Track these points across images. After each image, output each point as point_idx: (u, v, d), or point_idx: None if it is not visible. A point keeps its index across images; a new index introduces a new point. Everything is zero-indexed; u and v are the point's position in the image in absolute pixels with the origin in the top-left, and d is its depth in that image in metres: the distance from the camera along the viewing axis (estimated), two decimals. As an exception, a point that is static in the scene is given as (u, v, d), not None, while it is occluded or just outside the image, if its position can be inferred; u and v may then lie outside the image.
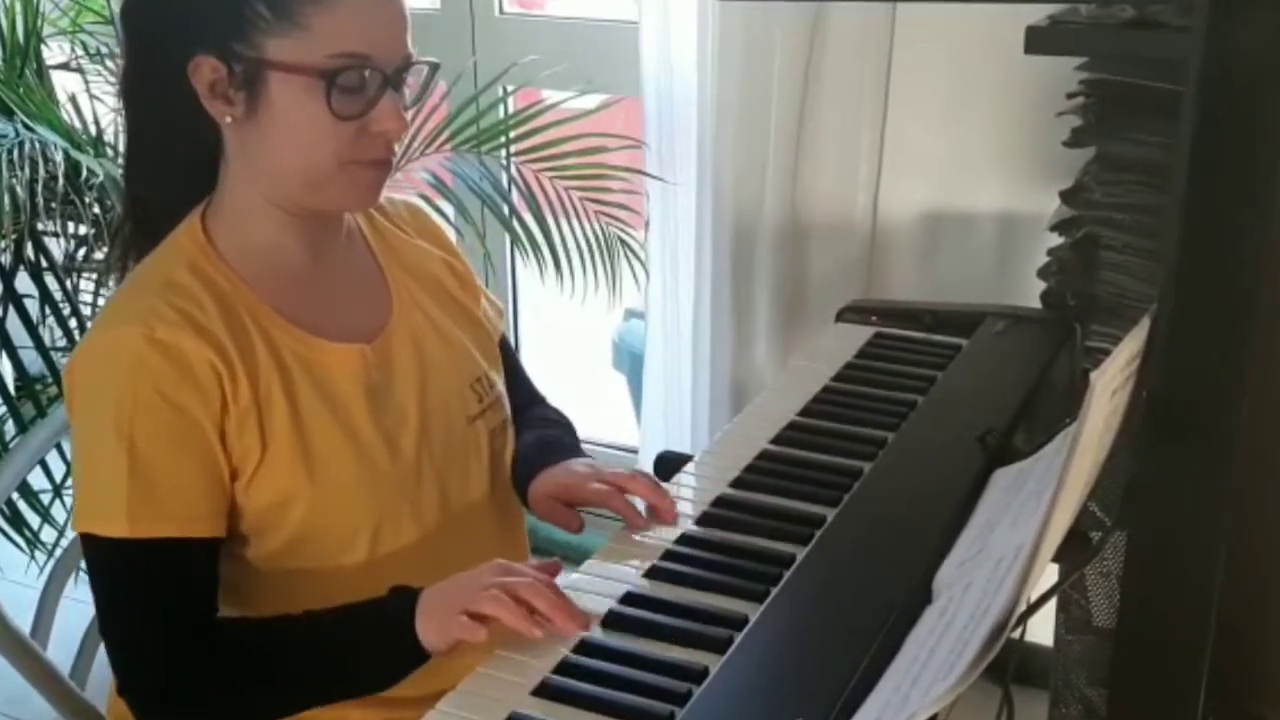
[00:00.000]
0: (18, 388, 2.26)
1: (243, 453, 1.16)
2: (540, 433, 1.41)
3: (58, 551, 1.90)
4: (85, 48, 2.41)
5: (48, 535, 2.26)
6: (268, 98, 1.13)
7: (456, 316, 1.35)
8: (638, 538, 1.19)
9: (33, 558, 2.21)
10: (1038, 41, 1.54)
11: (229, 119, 1.15)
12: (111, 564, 1.14)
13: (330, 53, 1.11)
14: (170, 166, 1.23)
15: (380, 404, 1.23)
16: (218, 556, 1.17)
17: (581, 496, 1.28)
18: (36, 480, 2.17)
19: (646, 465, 1.65)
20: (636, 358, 2.62)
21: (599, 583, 1.11)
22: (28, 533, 2.25)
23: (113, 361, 1.13)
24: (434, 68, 1.21)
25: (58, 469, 2.25)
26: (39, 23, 2.26)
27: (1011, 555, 0.89)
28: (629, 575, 1.13)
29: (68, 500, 2.28)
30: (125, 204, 1.27)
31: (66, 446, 2.23)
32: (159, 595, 1.14)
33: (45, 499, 2.26)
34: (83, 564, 1.46)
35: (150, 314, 1.13)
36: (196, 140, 1.19)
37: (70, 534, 1.62)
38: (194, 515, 1.14)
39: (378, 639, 1.12)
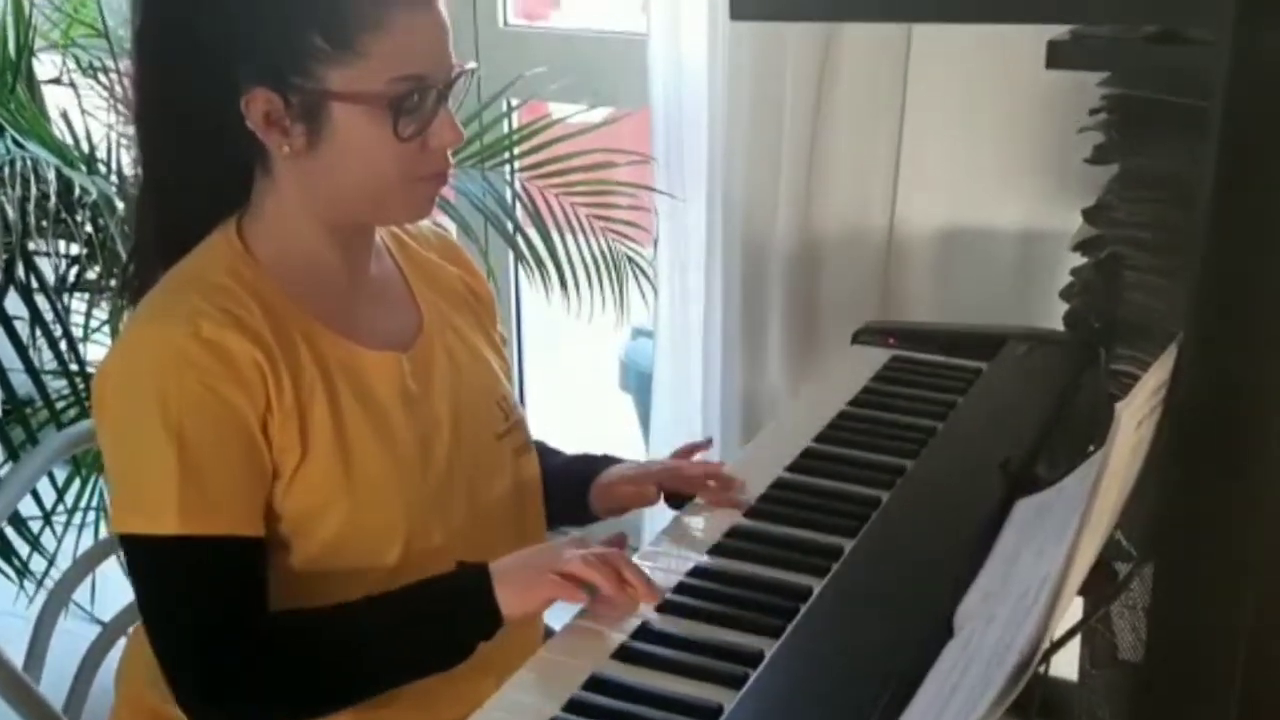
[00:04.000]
0: (6, 411, 2.26)
1: (283, 453, 1.18)
2: (575, 454, 1.49)
3: (48, 582, 1.91)
4: (77, 61, 2.42)
5: (37, 564, 2.27)
6: (330, 127, 1.15)
7: (480, 336, 1.39)
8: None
9: (22, 588, 2.22)
10: (1059, 56, 1.55)
11: (286, 149, 1.17)
12: (161, 564, 1.15)
13: (391, 76, 1.14)
14: (200, 188, 1.24)
15: (416, 413, 1.26)
16: (265, 555, 1.19)
17: (649, 475, 1.38)
18: (25, 507, 2.18)
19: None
20: (644, 377, 2.63)
21: (607, 618, 1.12)
22: (17, 562, 2.26)
23: (157, 357, 1.15)
24: (472, 73, 1.23)
25: (48, 496, 2.25)
26: (30, 36, 2.27)
27: (1036, 588, 0.89)
28: (640, 608, 1.13)
29: (58, 528, 2.29)
30: (145, 224, 1.29)
31: (59, 473, 2.26)
32: (215, 593, 1.15)
33: (33, 526, 2.27)
34: (75, 596, 1.49)
35: (195, 312, 1.16)
36: (231, 160, 1.21)
37: (62, 565, 1.62)
38: (244, 512, 1.16)
39: (458, 607, 1.16)
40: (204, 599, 1.15)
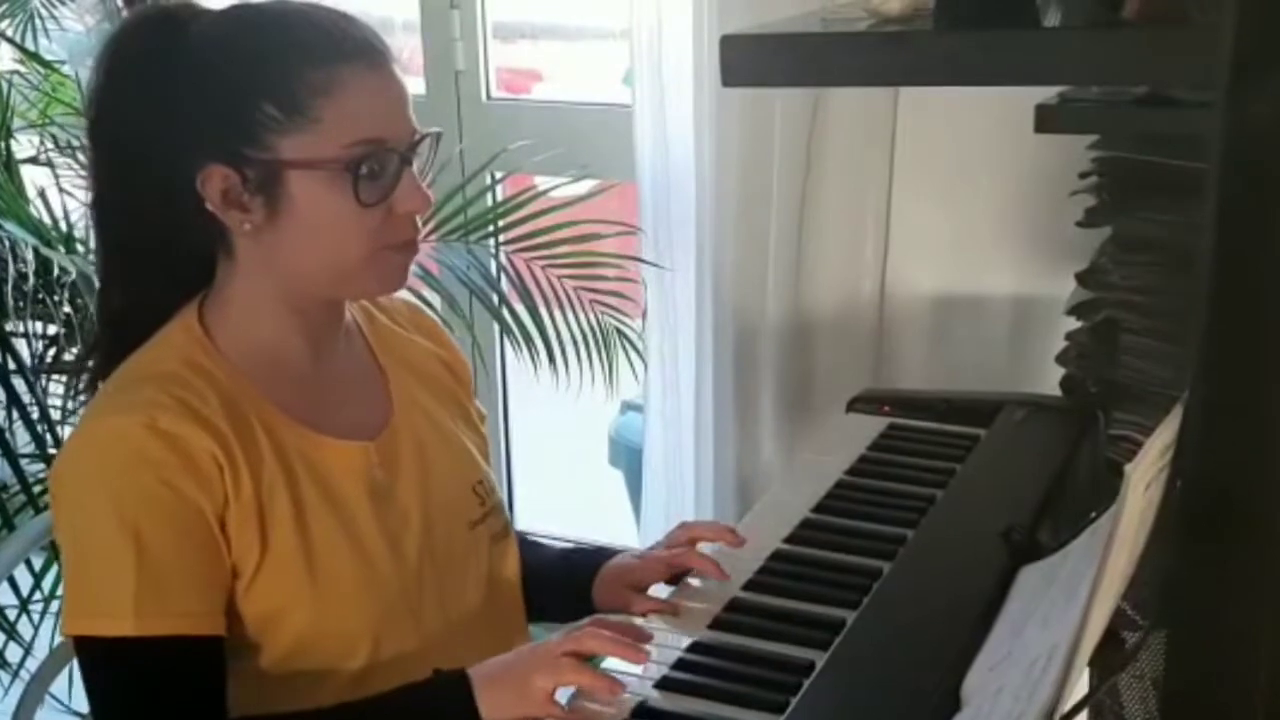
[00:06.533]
0: (-18, 496, 2.25)
1: (242, 551, 1.16)
2: (565, 547, 1.46)
3: (23, 673, 1.87)
4: (55, 140, 2.43)
5: (12, 653, 2.24)
6: (289, 198, 1.14)
7: (455, 416, 1.37)
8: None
9: (-4, 678, 2.19)
10: (1048, 120, 1.56)
11: (247, 226, 1.16)
12: (117, 667, 1.13)
13: (347, 141, 1.14)
14: (160, 273, 1.23)
15: (383, 505, 1.24)
16: (224, 655, 1.16)
17: (656, 570, 1.33)
18: (1, 595, 2.16)
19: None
20: (634, 453, 2.62)
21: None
22: (-8, 651, 2.24)
23: (111, 452, 1.13)
24: (436, 138, 1.23)
25: (24, 582, 2.23)
26: (8, 115, 2.29)
27: (1045, 657, 0.89)
28: (641, 686, 1.12)
29: (34, 615, 2.27)
30: (104, 313, 1.28)
31: (36, 560, 2.24)
32: (172, 696, 1.13)
33: (9, 614, 2.25)
34: (52, 689, 1.47)
35: (150, 404, 1.14)
36: (192, 245, 1.20)
37: (40, 655, 1.60)
38: (203, 611, 1.14)
39: (436, 716, 1.13)
40: (161, 702, 1.13)
